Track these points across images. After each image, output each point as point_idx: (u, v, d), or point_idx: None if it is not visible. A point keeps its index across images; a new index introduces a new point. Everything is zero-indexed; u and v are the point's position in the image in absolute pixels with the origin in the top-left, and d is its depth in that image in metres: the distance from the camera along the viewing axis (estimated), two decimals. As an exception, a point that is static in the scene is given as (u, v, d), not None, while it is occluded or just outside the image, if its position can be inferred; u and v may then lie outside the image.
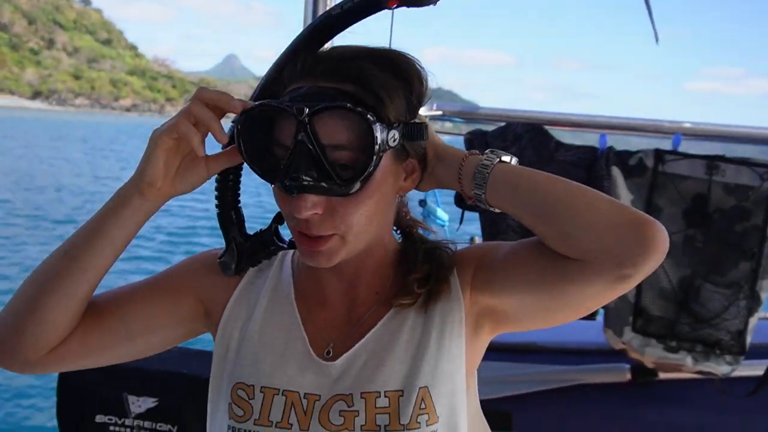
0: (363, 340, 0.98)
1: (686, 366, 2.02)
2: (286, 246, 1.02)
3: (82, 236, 0.93)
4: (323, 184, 0.85)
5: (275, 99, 0.89)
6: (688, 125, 2.38)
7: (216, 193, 0.97)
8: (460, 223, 2.31)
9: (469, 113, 2.60)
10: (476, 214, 2.19)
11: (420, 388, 0.94)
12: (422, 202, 2.71)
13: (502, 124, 2.27)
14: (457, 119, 2.63)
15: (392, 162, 0.91)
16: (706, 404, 2.23)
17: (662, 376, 2.21)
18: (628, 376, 2.24)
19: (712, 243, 2.03)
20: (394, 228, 1.06)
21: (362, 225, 0.90)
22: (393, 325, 0.98)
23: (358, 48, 0.92)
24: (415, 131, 0.90)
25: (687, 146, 2.17)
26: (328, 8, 1.87)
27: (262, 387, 0.97)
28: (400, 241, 1.07)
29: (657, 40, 2.80)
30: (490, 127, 2.31)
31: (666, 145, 2.16)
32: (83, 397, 2.02)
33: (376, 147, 0.84)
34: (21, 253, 12.26)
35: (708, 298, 2.01)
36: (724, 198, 2.03)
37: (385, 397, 0.94)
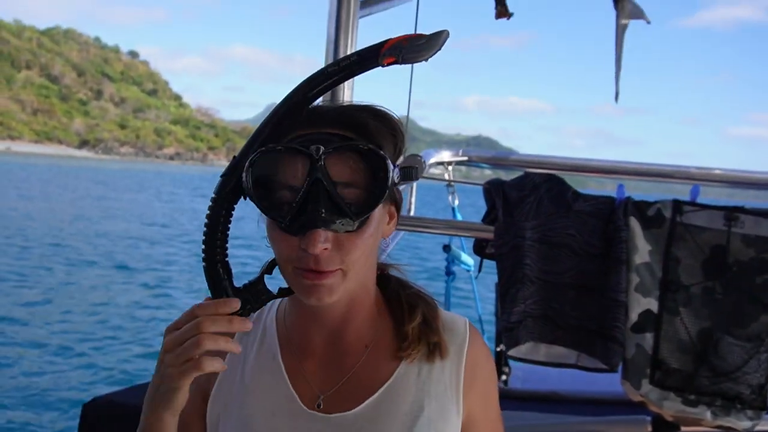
0: (362, 406, 1.02)
1: (706, 420, 1.98)
2: (276, 295, 1.02)
3: None
4: (337, 219, 0.90)
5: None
6: (717, 171, 2.37)
7: (203, 246, 0.98)
8: (479, 271, 2.33)
9: (494, 159, 2.62)
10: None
11: None
12: (446, 248, 2.72)
13: (528, 170, 2.30)
14: (484, 165, 2.66)
15: (384, 203, 0.98)
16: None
17: (685, 429, 2.16)
18: (649, 428, 2.21)
19: (731, 295, 2.01)
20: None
21: (361, 262, 0.96)
22: (392, 393, 1.03)
23: (352, 104, 1.02)
24: (409, 173, 0.99)
25: (718, 193, 2.15)
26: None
27: None
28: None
29: (617, 99, 2.85)
30: (512, 175, 2.33)
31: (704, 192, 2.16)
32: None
33: (389, 182, 0.92)
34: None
35: (728, 351, 1.98)
36: (744, 250, 2.02)
37: None
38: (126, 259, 17.84)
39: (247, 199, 0.95)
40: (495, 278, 2.80)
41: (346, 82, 1.12)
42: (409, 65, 0.95)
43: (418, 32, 0.91)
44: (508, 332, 2.10)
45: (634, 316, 2.04)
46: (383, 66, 0.92)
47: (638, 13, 2.71)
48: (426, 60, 0.90)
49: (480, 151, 2.68)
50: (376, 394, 1.02)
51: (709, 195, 2.27)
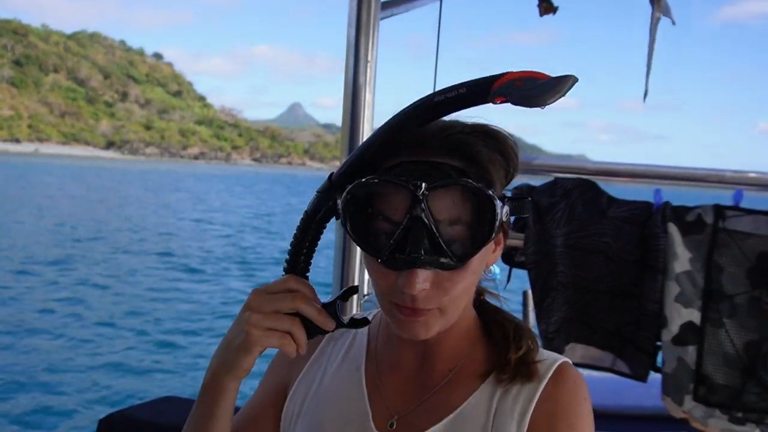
0: (430, 430, 0.96)
1: (754, 439, 1.87)
2: (346, 325, 0.97)
3: (197, 428, 0.98)
4: (437, 259, 0.84)
5: (373, 173, 0.89)
6: (753, 175, 2.25)
7: (287, 257, 0.97)
8: (508, 280, 2.23)
9: (522, 164, 2.51)
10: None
11: None
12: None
13: (558, 175, 2.19)
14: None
15: None
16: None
17: (730, 447, 2.05)
18: (692, 446, 2.09)
19: (780, 305, 1.89)
20: None
21: (462, 299, 0.91)
22: (458, 422, 0.96)
23: (460, 123, 0.91)
24: (519, 207, 0.90)
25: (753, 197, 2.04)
26: (369, 60, 1.88)
27: None
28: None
29: (645, 97, 2.74)
30: (539, 178, 2.23)
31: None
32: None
33: (496, 223, 0.85)
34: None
35: (777, 365, 1.86)
36: (793, 256, 1.89)
37: None
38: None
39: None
40: (521, 286, 2.71)
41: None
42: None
43: (532, 70, 0.80)
44: (548, 342, 2.04)
45: (674, 328, 1.93)
46: (494, 103, 0.82)
47: (667, 11, 2.61)
48: (542, 107, 0.79)
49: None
50: (443, 422, 0.96)
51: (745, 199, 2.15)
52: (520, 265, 2.16)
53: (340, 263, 1.89)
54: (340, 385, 1.04)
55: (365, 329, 1.09)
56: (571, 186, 2.08)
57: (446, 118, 0.88)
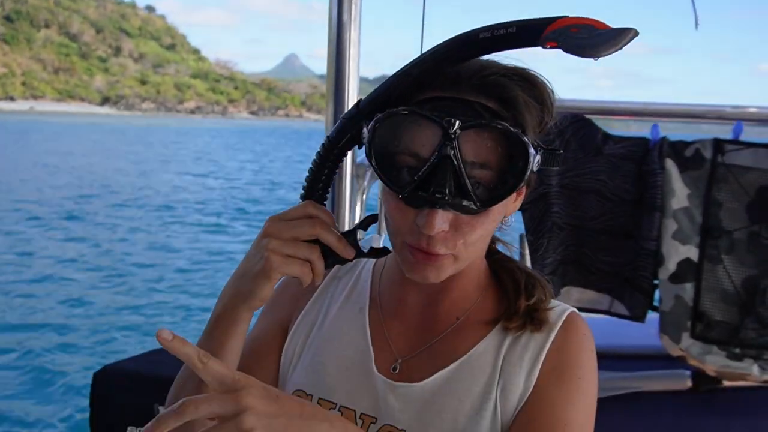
0: (432, 377, 0.94)
1: (752, 375, 1.85)
2: (366, 254, 0.95)
3: None
4: (460, 202, 0.81)
5: (403, 104, 0.85)
6: (753, 110, 2.18)
7: (305, 184, 0.94)
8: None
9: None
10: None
11: None
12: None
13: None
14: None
15: None
16: (776, 414, 2.05)
17: (727, 383, 2.03)
18: (689, 383, 2.08)
19: (780, 239, 1.85)
20: None
21: (478, 246, 0.88)
22: (464, 370, 0.94)
23: (498, 65, 0.86)
24: (551, 158, 0.87)
25: (757, 132, 1.99)
26: (353, 8, 1.80)
27: (320, 399, 0.97)
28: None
29: (697, 25, 2.62)
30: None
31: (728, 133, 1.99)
32: (115, 409, 2.01)
33: (528, 172, 0.82)
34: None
35: (776, 301, 1.84)
36: (793, 190, 1.85)
37: None
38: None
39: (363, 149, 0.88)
40: (519, 228, 2.66)
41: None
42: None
43: (590, 17, 0.75)
44: None
45: (671, 266, 1.89)
46: (544, 47, 0.77)
47: None
48: (596, 58, 0.75)
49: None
50: (449, 368, 0.94)
51: (746, 134, 2.10)
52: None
53: (329, 201, 1.84)
54: (342, 325, 1.02)
55: (369, 271, 1.07)
56: (565, 123, 2.02)
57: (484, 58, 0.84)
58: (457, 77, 0.84)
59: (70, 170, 27.87)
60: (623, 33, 0.72)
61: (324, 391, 0.97)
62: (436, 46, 0.84)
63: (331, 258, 0.91)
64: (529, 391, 0.92)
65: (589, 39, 0.73)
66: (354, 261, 0.96)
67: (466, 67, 0.84)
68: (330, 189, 0.96)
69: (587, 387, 0.93)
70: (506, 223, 0.95)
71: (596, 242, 2.00)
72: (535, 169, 0.83)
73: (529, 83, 0.86)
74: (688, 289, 1.89)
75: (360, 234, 0.95)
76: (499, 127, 0.80)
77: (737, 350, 1.86)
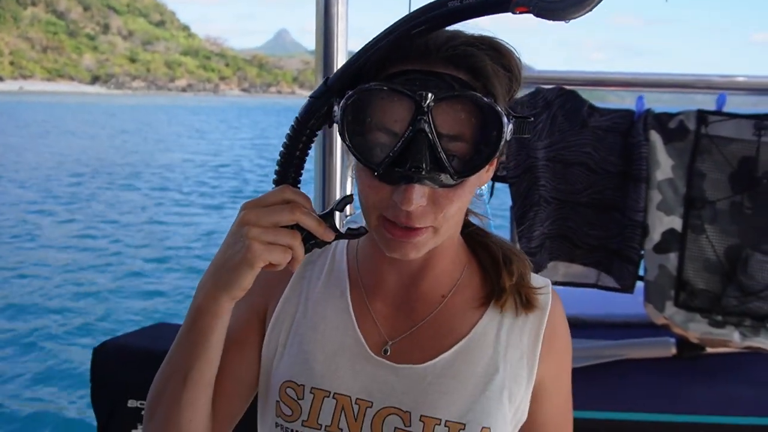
0: (436, 360, 0.95)
1: (733, 342, 1.89)
2: (344, 235, 0.94)
3: (189, 355, 0.92)
4: (437, 175, 0.81)
5: (373, 79, 0.84)
6: (741, 79, 2.21)
7: (277, 168, 0.91)
8: (491, 195, 2.22)
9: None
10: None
11: (483, 427, 0.92)
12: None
13: (543, 86, 2.15)
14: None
15: None
16: (758, 378, 2.10)
17: (710, 350, 2.08)
18: (674, 350, 2.13)
19: (761, 209, 1.88)
20: None
21: (455, 218, 0.89)
22: (468, 350, 0.96)
23: (465, 35, 0.86)
24: (523, 126, 0.87)
25: (743, 102, 2.01)
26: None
27: (312, 388, 0.96)
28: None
29: None
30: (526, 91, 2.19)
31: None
32: (116, 383, 2.04)
33: (502, 141, 0.82)
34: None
35: (757, 269, 1.87)
36: (775, 160, 1.88)
37: (446, 426, 0.92)
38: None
39: (334, 127, 0.87)
40: (508, 201, 2.69)
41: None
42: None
43: None
44: (530, 257, 2.00)
45: (656, 236, 1.93)
46: (514, 13, 0.77)
47: None
48: (567, 21, 0.75)
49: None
50: (452, 350, 0.95)
51: (734, 105, 2.12)
52: (503, 179, 2.14)
53: (321, 180, 1.86)
54: (326, 311, 1.00)
55: (343, 252, 1.05)
56: (552, 96, 2.04)
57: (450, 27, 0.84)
58: (426, 49, 0.83)
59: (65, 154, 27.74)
60: None
61: (315, 380, 0.95)
62: (404, 17, 0.83)
63: (309, 242, 0.89)
64: (534, 375, 0.97)
65: (558, 2, 0.74)
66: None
67: (434, 38, 0.84)
68: (302, 170, 0.93)
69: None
70: (479, 193, 0.96)
71: (582, 216, 2.02)
72: (508, 137, 0.84)
73: (498, 52, 0.86)
74: (672, 258, 1.93)
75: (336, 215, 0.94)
76: (472, 97, 0.80)
77: (719, 318, 1.90)
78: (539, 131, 2.01)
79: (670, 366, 2.15)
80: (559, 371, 1.02)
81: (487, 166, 0.87)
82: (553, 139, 2.01)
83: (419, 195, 0.81)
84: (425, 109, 0.79)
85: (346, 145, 0.84)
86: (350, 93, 0.83)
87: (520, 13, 0.76)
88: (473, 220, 1.06)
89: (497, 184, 2.20)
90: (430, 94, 0.79)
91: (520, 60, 0.88)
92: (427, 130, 0.79)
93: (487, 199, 2.33)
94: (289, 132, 0.90)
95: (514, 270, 0.98)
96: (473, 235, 1.03)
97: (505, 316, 0.98)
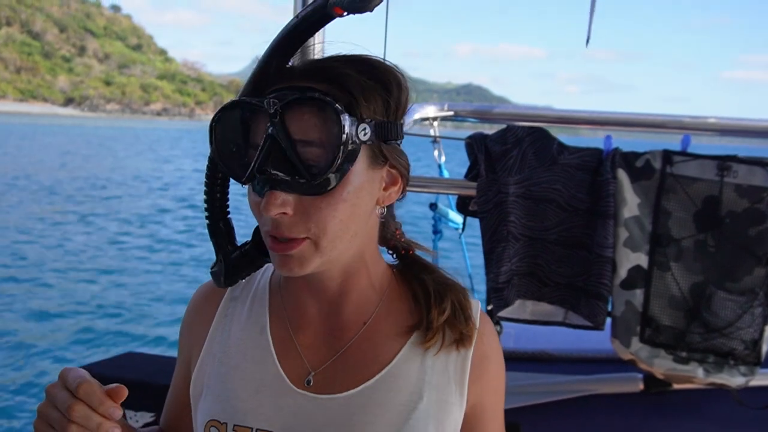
0: (356, 390, 0.94)
1: (697, 378, 1.92)
2: (245, 273, 1.00)
3: None
4: (294, 179, 0.83)
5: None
6: (712, 120, 2.26)
7: (205, 204, 0.97)
8: (462, 229, 2.24)
9: (478, 112, 2.50)
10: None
11: None
12: (433, 206, 2.61)
13: (514, 123, 2.19)
14: (471, 119, 2.54)
15: (368, 166, 0.88)
16: (723, 415, 2.13)
17: (677, 386, 2.11)
18: (641, 386, 2.15)
19: (724, 248, 1.93)
20: (390, 252, 1.03)
21: (336, 231, 0.87)
22: (390, 379, 0.94)
23: (338, 55, 0.90)
24: (389, 129, 0.88)
25: (713, 141, 2.06)
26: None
27: (235, 425, 0.95)
28: (395, 264, 1.03)
29: (588, 42, 2.71)
30: (495, 129, 2.22)
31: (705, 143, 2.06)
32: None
33: (343, 137, 0.82)
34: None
35: (721, 306, 1.91)
36: (737, 200, 1.93)
37: None
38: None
39: None
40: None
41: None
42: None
43: None
44: (497, 293, 2.01)
45: (623, 273, 1.96)
46: (336, 16, 0.84)
47: None
48: (371, 10, 0.83)
49: (466, 105, 2.55)
50: (373, 379, 0.94)
51: (703, 142, 2.18)
52: (474, 214, 2.16)
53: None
54: (246, 350, 0.99)
55: (266, 285, 1.05)
56: (523, 133, 2.08)
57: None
58: (286, 70, 0.89)
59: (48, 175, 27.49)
60: None
61: (238, 417, 0.95)
62: (265, 50, 0.91)
63: (219, 278, 0.98)
64: (465, 400, 0.96)
65: None
66: (247, 277, 1.02)
67: (303, 59, 0.91)
68: (227, 203, 1.01)
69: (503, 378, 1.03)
70: (380, 211, 0.95)
71: (551, 253, 2.03)
72: (363, 138, 0.85)
73: (368, 65, 0.89)
74: (638, 294, 1.96)
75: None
76: (315, 100, 0.82)
77: (683, 354, 1.93)
78: (510, 167, 2.04)
79: (637, 401, 2.18)
80: (493, 396, 1.00)
81: (384, 184, 0.92)
82: (524, 176, 2.04)
83: (279, 200, 0.83)
84: (273, 116, 0.82)
85: (219, 164, 0.90)
86: (213, 118, 0.87)
87: (339, 15, 0.84)
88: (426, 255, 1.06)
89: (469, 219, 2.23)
90: (275, 101, 0.82)
91: (402, 76, 0.91)
92: (277, 135, 0.82)
93: (461, 231, 2.35)
94: (206, 170, 0.98)
95: (446, 307, 0.97)
96: (410, 266, 1.03)
97: (431, 347, 0.97)
